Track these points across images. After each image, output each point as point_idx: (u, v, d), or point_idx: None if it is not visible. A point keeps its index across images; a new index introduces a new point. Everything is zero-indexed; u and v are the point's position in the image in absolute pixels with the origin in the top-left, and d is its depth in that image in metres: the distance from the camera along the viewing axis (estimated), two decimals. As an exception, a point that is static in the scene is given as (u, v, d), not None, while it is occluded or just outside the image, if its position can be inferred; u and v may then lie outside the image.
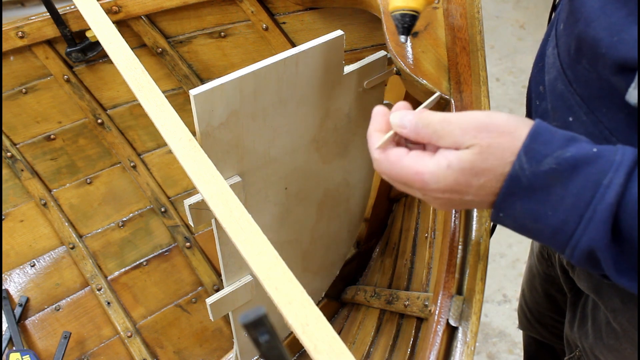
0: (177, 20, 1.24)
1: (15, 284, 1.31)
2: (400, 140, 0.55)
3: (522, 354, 1.26)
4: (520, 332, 1.28)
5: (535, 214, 0.47)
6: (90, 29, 0.89)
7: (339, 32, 0.75)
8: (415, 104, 0.61)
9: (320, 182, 0.94)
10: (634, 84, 0.47)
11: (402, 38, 0.63)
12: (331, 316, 1.23)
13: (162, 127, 0.70)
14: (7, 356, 1.15)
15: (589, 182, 0.44)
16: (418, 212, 1.05)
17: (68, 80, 1.26)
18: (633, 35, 0.46)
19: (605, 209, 0.44)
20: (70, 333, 1.25)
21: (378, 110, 0.57)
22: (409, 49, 0.80)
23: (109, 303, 1.33)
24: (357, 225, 1.16)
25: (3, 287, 1.29)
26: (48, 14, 1.13)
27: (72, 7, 1.14)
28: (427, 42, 0.80)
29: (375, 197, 1.17)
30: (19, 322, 1.26)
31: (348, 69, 0.81)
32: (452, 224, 0.71)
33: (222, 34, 1.26)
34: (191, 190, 1.44)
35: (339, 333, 1.02)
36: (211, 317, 0.87)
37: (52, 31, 1.17)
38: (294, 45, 1.21)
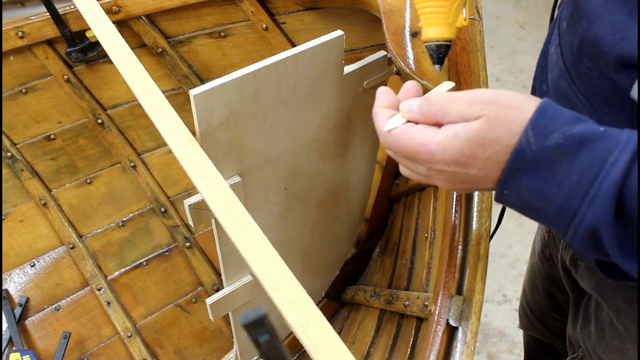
0: (177, 20, 1.24)
1: (15, 284, 1.31)
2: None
3: (522, 354, 1.26)
4: (520, 332, 1.28)
5: (539, 190, 0.47)
6: (90, 29, 0.89)
7: (339, 32, 0.75)
8: None
9: (320, 182, 0.94)
10: (638, 81, 0.47)
11: (437, 68, 0.63)
12: (331, 316, 1.23)
13: (162, 127, 0.70)
14: (7, 356, 1.15)
15: (595, 158, 0.44)
16: (418, 212, 1.05)
17: (68, 80, 1.26)
18: (635, 32, 0.46)
19: (610, 186, 0.43)
20: (70, 333, 1.25)
21: (382, 90, 0.58)
22: (409, 49, 0.80)
23: (109, 303, 1.33)
24: (357, 225, 1.16)
25: (3, 287, 1.29)
26: (48, 14, 1.13)
27: (72, 7, 1.14)
28: (427, 42, 0.80)
29: (375, 197, 1.17)
30: (19, 322, 1.26)
31: (348, 69, 0.81)
32: (452, 224, 0.71)
33: (222, 34, 1.26)
34: (191, 190, 1.44)
35: (339, 333, 1.02)
36: (211, 317, 0.87)
37: (52, 31, 1.17)
38: (294, 45, 1.21)
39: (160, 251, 1.41)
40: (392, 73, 0.87)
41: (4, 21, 1.15)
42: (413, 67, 0.78)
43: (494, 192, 0.52)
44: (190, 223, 0.75)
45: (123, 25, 1.21)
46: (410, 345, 0.85)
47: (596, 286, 0.72)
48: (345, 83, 0.83)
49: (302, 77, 0.76)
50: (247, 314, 0.32)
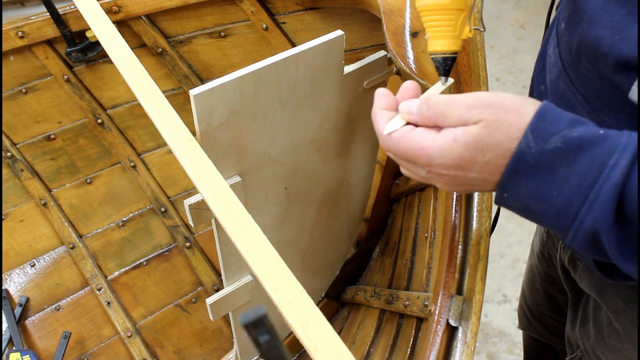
0: (177, 20, 1.24)
1: (15, 284, 1.31)
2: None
3: (522, 354, 1.26)
4: (520, 332, 1.28)
5: (539, 193, 0.47)
6: (90, 29, 0.89)
7: (339, 32, 0.75)
8: None
9: (320, 182, 0.94)
10: (637, 82, 0.47)
11: (443, 80, 0.63)
12: (331, 316, 1.23)
13: (162, 127, 0.70)
14: (7, 356, 1.15)
15: (595, 162, 0.44)
16: (418, 212, 1.05)
17: (68, 80, 1.26)
18: (635, 33, 0.46)
19: (610, 189, 0.43)
20: (70, 333, 1.25)
21: (380, 91, 0.58)
22: (409, 49, 0.80)
23: (109, 303, 1.33)
24: (357, 225, 1.16)
25: (3, 287, 1.29)
26: (48, 14, 1.13)
27: (72, 7, 1.14)
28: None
29: (375, 197, 1.17)
30: (19, 322, 1.26)
31: (348, 69, 0.81)
32: (452, 224, 0.71)
33: (222, 34, 1.26)
34: (191, 190, 1.44)
35: (339, 333, 1.02)
36: (211, 317, 0.87)
37: (52, 31, 1.17)
38: (294, 45, 1.21)
39: (160, 251, 1.41)
40: (392, 73, 0.87)
41: (4, 21, 1.15)
42: (413, 67, 0.78)
43: (494, 194, 0.52)
44: (190, 223, 0.75)
45: (123, 25, 1.21)
46: (410, 345, 0.85)
47: (595, 286, 0.72)
48: (345, 83, 0.83)
49: (302, 77, 0.76)
50: (247, 314, 0.32)
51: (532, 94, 0.68)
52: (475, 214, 0.70)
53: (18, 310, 1.27)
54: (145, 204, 1.42)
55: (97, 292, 1.34)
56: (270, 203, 0.87)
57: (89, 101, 1.30)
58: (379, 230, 1.24)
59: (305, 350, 0.53)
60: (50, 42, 1.20)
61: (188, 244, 1.41)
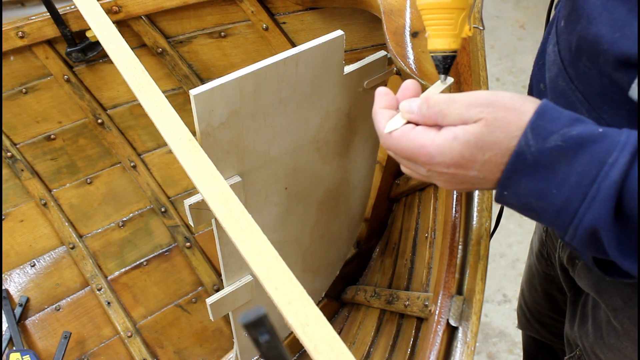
0: (177, 20, 1.24)
1: (15, 284, 1.31)
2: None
3: (522, 354, 1.26)
4: (520, 332, 1.28)
5: (539, 191, 0.47)
6: (90, 29, 0.89)
7: (339, 32, 0.75)
8: None
9: (320, 182, 0.94)
10: (637, 80, 0.47)
11: (443, 77, 0.63)
12: (331, 316, 1.23)
13: (162, 127, 0.70)
14: (7, 356, 1.15)
15: (594, 160, 0.44)
16: (418, 212, 1.05)
17: (68, 80, 1.26)
18: (635, 31, 0.46)
19: (609, 187, 0.43)
20: (70, 333, 1.25)
21: (381, 90, 0.58)
22: (409, 49, 0.80)
23: (109, 303, 1.33)
24: (357, 225, 1.16)
25: (3, 287, 1.29)
26: (48, 14, 1.13)
27: (72, 7, 1.14)
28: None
29: (375, 197, 1.17)
30: (19, 322, 1.26)
31: (348, 69, 0.81)
32: (452, 223, 0.71)
33: (222, 34, 1.26)
34: (191, 190, 1.44)
35: (339, 333, 1.02)
36: (211, 317, 0.87)
37: (52, 31, 1.17)
38: (294, 45, 1.21)
39: (161, 251, 1.41)
40: (392, 73, 0.87)
41: (4, 21, 1.15)
42: (413, 67, 0.78)
43: (494, 192, 0.52)
44: (190, 223, 0.75)
45: (123, 25, 1.21)
46: (410, 345, 0.85)
47: (593, 285, 0.72)
48: (346, 83, 0.83)
49: (302, 77, 0.76)
50: (247, 314, 0.32)
51: (532, 92, 0.68)
52: (475, 213, 0.71)
53: (18, 310, 1.27)
54: (146, 204, 1.42)
55: (97, 292, 1.34)
56: (271, 203, 0.87)
57: (89, 101, 1.30)
58: (379, 230, 1.24)
59: (305, 350, 0.53)
60: (50, 42, 1.20)
61: (188, 244, 1.41)
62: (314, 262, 1.08)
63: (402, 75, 0.80)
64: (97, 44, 1.22)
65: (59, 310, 1.32)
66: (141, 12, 1.19)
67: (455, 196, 0.73)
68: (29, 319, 1.30)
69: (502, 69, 2.53)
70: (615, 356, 0.72)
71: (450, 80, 0.63)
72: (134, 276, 1.38)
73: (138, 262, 1.39)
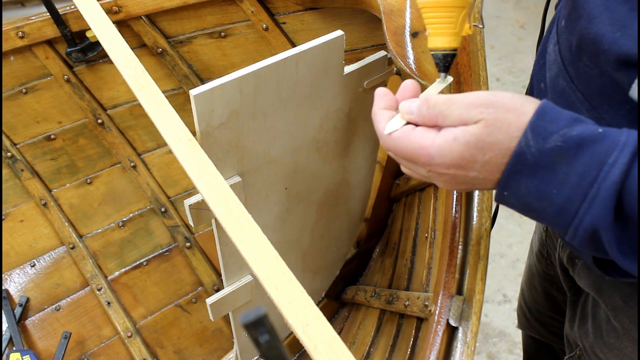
0: (177, 20, 1.24)
1: (15, 284, 1.31)
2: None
3: (522, 353, 1.26)
4: (520, 332, 1.28)
5: (540, 192, 0.47)
6: (90, 29, 0.89)
7: (339, 32, 0.75)
8: None
9: (320, 182, 0.94)
10: (638, 80, 0.47)
11: (443, 76, 0.64)
12: (331, 316, 1.23)
13: (162, 127, 0.70)
14: (7, 356, 1.15)
15: (594, 160, 0.44)
16: (418, 212, 1.05)
17: (68, 80, 1.26)
18: (636, 30, 0.46)
19: (609, 187, 0.43)
20: (70, 333, 1.25)
21: (380, 91, 0.58)
22: (409, 49, 0.80)
23: (109, 303, 1.33)
24: (357, 225, 1.16)
25: (3, 287, 1.29)
26: (48, 14, 1.13)
27: (72, 7, 1.14)
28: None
29: (375, 197, 1.17)
30: (19, 322, 1.26)
31: (348, 69, 0.81)
32: (452, 224, 0.71)
33: (222, 34, 1.26)
34: (191, 190, 1.44)
35: (339, 333, 1.02)
36: (211, 317, 0.87)
37: (52, 31, 1.17)
38: (294, 45, 1.21)
39: (161, 251, 1.41)
40: (392, 73, 0.87)
41: (4, 21, 1.15)
42: (413, 67, 0.78)
43: (494, 192, 0.52)
44: (190, 223, 0.75)
45: (123, 25, 1.21)
46: (410, 345, 0.85)
47: (593, 284, 0.72)
48: (346, 83, 0.83)
49: (302, 77, 0.76)
50: (247, 314, 0.32)
51: (532, 91, 0.68)
52: (475, 214, 0.71)
53: (18, 311, 1.27)
54: (146, 204, 1.42)
55: (97, 292, 1.34)
56: (271, 203, 0.87)
57: (89, 101, 1.30)
58: (379, 230, 1.24)
59: (305, 350, 0.53)
60: (50, 42, 1.20)
61: (188, 244, 1.41)
62: (314, 262, 1.08)
63: (402, 75, 0.80)
64: (97, 44, 1.22)
65: (59, 310, 1.32)
66: (141, 12, 1.19)
67: (455, 196, 0.73)
68: (29, 319, 1.30)
69: (502, 69, 2.53)
70: (615, 356, 0.73)
71: (449, 78, 0.63)
72: (134, 276, 1.38)
73: (138, 262, 1.39)
